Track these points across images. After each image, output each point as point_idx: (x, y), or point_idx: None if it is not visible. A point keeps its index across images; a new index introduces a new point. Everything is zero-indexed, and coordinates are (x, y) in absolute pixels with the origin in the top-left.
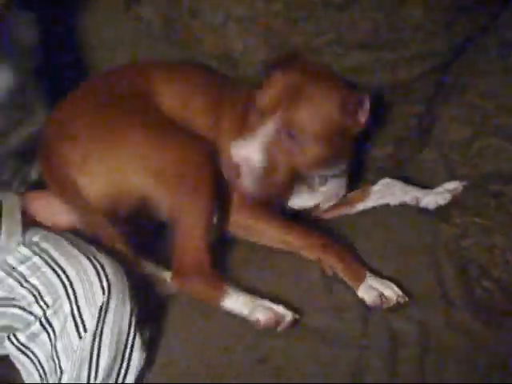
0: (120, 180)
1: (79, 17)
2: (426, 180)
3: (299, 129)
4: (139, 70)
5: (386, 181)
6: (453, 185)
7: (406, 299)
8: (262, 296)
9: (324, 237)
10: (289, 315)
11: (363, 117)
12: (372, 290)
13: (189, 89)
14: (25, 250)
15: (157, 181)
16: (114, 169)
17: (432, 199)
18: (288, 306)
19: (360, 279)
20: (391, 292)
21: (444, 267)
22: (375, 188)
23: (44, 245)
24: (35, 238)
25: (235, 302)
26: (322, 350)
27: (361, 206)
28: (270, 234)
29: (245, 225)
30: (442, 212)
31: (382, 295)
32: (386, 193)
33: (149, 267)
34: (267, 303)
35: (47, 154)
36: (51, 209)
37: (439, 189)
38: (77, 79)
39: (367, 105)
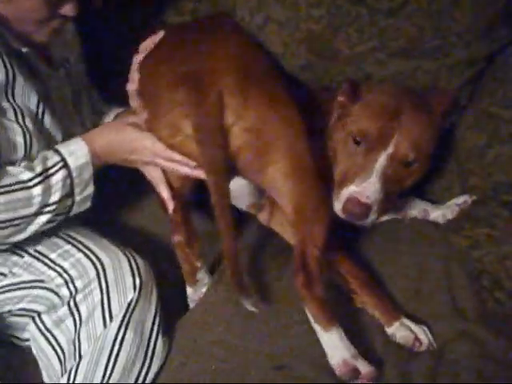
0: (262, 149)
1: None
2: (439, 190)
3: (416, 155)
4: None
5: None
6: (462, 199)
7: (435, 346)
8: None
9: (364, 270)
10: (372, 372)
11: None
12: (407, 329)
13: None
14: (56, 239)
15: (294, 166)
16: (261, 137)
17: (440, 213)
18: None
19: (395, 318)
20: (425, 337)
21: (456, 278)
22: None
23: (76, 235)
24: (64, 231)
25: (337, 338)
26: None
27: None
28: None
29: None
30: (453, 224)
31: (416, 338)
32: (396, 206)
33: (203, 271)
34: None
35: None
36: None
37: (448, 203)
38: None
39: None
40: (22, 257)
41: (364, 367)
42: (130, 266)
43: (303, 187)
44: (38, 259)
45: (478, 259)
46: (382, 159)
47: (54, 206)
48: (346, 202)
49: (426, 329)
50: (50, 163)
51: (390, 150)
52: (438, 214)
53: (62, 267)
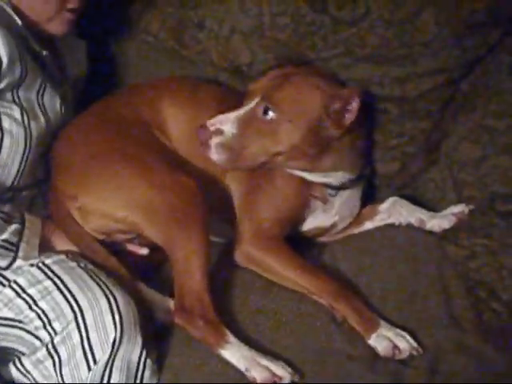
0: (110, 212)
1: None
2: (434, 199)
3: (276, 107)
4: (146, 94)
5: (394, 199)
6: (459, 208)
7: (420, 351)
8: (263, 346)
9: (337, 283)
10: (287, 377)
11: (349, 118)
12: (385, 339)
13: (198, 117)
14: (37, 272)
15: (146, 213)
16: (104, 201)
17: (437, 223)
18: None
19: (372, 328)
20: (405, 344)
21: (452, 289)
22: (383, 206)
23: (57, 269)
24: (48, 261)
25: (234, 354)
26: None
27: (369, 225)
28: (281, 273)
29: (254, 258)
30: (449, 234)
31: (395, 346)
32: (393, 212)
33: (150, 293)
34: (266, 361)
35: (50, 184)
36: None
37: (445, 212)
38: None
39: (355, 105)
40: (4, 286)
41: (279, 370)
42: (108, 304)
43: (161, 229)
44: (18, 295)
45: (474, 269)
46: (245, 108)
47: None
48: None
49: (405, 335)
50: (13, 213)
51: (255, 101)
52: (435, 223)
53: (40, 308)
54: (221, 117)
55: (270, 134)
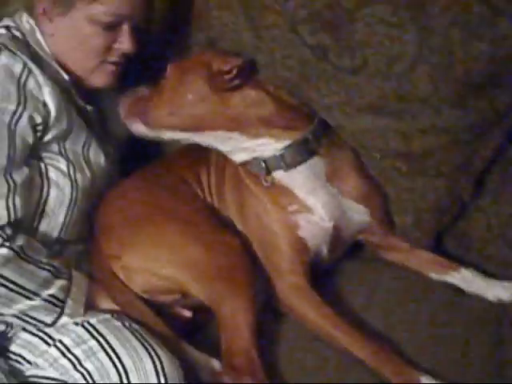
0: (156, 270)
1: None
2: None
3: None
4: (189, 157)
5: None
6: None
7: None
8: None
9: (374, 339)
10: None
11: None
12: None
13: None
14: (82, 332)
15: (192, 271)
16: (150, 259)
17: (496, 291)
18: None
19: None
20: None
21: (475, 346)
22: (466, 271)
23: (102, 329)
24: (93, 320)
25: None
26: None
27: (449, 278)
28: (316, 323)
29: (290, 306)
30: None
31: None
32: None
33: (194, 353)
34: None
35: (92, 244)
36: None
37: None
38: None
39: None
40: (49, 345)
41: None
42: (153, 365)
43: (207, 289)
44: (63, 354)
45: None
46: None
47: (45, 298)
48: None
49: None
50: (61, 268)
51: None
52: (493, 292)
53: (85, 368)
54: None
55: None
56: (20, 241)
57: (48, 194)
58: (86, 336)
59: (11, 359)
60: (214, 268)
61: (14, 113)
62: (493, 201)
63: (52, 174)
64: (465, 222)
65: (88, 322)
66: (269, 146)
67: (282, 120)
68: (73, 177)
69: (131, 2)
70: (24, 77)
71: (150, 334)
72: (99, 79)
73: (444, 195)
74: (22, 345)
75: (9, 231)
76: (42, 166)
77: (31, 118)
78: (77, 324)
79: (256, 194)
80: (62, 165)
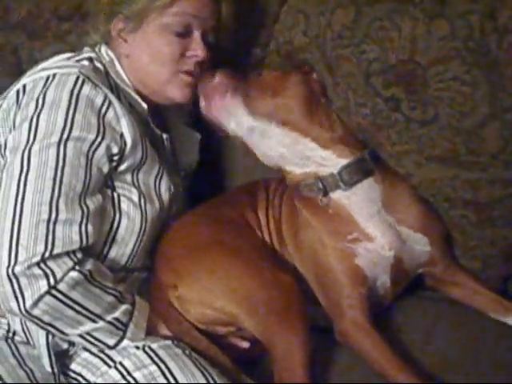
0: (209, 301)
1: None
2: None
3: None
4: (248, 195)
5: None
6: None
7: None
8: None
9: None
10: None
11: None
12: None
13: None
14: (143, 356)
15: (245, 304)
16: (204, 291)
17: None
18: None
19: None
20: None
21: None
22: None
23: (162, 354)
24: (154, 346)
25: None
26: None
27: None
28: (375, 361)
29: (350, 342)
30: None
31: None
32: None
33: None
34: None
35: (151, 273)
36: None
37: None
38: None
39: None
40: (110, 367)
41: None
42: None
43: (259, 324)
44: (123, 377)
45: None
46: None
47: (109, 321)
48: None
49: None
50: (125, 294)
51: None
52: None
53: None
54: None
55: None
56: (89, 265)
57: (119, 224)
58: (147, 361)
59: (71, 377)
60: (267, 304)
61: (93, 142)
62: None
63: (124, 204)
64: None
65: (149, 347)
66: (329, 162)
67: (346, 138)
68: (143, 208)
69: (201, 9)
70: (104, 108)
71: (209, 364)
72: (176, 91)
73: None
74: (83, 364)
75: (79, 255)
76: (115, 195)
77: (108, 148)
78: (138, 348)
79: (312, 223)
80: (134, 196)
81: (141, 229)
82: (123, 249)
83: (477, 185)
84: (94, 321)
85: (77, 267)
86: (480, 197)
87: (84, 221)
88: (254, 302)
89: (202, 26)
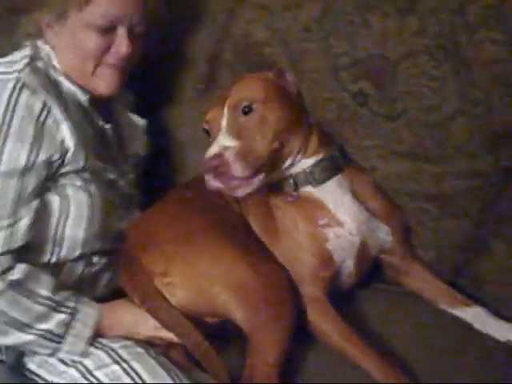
0: (203, 287)
1: None
2: None
3: (248, 100)
4: None
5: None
6: None
7: None
8: None
9: (384, 356)
10: None
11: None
12: None
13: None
14: (103, 355)
15: (240, 294)
16: (199, 275)
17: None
18: None
19: None
20: None
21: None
22: (478, 309)
23: (124, 354)
24: (115, 345)
25: None
26: None
27: (461, 312)
28: (330, 335)
29: (307, 317)
30: None
31: None
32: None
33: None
34: None
35: (129, 263)
36: (130, 319)
37: None
38: None
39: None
40: (68, 365)
41: None
42: None
43: (251, 314)
44: (83, 375)
45: None
46: (224, 116)
47: (40, 332)
48: (205, 167)
49: None
50: (65, 302)
51: (228, 103)
52: (503, 333)
53: None
54: (214, 142)
55: (260, 123)
56: (18, 274)
57: (68, 211)
58: (108, 360)
59: (28, 377)
60: (261, 292)
61: (31, 151)
62: (510, 243)
63: (69, 189)
64: (480, 262)
65: (110, 347)
66: (301, 160)
67: (318, 136)
68: (89, 191)
69: (124, 5)
70: (43, 116)
71: (171, 362)
72: (101, 84)
73: (469, 235)
74: (39, 363)
75: (6, 263)
76: (59, 185)
77: (48, 156)
78: (97, 348)
79: (285, 209)
80: (78, 181)
81: (91, 212)
82: (76, 233)
83: (441, 178)
84: (22, 331)
85: (1, 276)
86: (444, 189)
87: (11, 225)
88: (248, 291)
89: (127, 21)
